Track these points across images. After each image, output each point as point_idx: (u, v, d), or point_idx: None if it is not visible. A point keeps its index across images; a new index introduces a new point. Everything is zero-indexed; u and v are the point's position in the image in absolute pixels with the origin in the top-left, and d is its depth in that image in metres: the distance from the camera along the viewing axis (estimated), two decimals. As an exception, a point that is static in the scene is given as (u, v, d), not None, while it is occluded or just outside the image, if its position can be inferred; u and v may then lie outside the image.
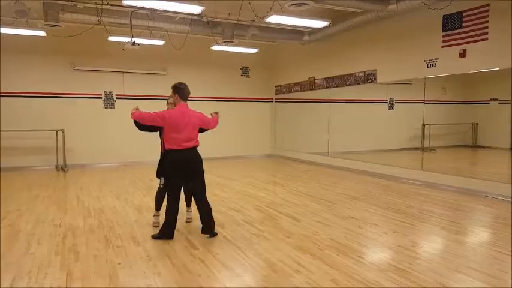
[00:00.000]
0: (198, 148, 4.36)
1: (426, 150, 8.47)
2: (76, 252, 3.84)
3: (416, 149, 8.75)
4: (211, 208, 4.42)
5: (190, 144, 4.24)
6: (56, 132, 9.65)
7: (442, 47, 7.01)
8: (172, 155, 4.21)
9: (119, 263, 3.55)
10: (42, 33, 8.27)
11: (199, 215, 4.39)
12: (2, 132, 9.24)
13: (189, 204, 4.96)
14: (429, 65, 7.30)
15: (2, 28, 7.82)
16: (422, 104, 7.90)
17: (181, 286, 3.10)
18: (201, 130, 4.51)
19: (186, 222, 4.89)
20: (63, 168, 9.65)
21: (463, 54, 6.66)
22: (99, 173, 9.17)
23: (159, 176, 4.70)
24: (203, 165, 4.42)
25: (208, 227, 4.35)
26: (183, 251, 3.86)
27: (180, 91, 4.30)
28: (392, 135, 9.38)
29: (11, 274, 3.29)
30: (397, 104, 9.17)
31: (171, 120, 4.15)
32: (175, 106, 4.36)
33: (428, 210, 5.48)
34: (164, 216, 4.29)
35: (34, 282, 3.14)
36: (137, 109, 4.28)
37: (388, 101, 9.20)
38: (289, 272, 3.33)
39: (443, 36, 6.98)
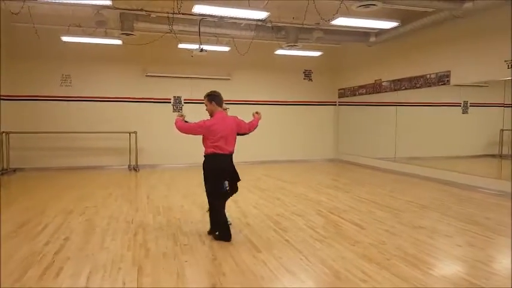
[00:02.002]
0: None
1: (504, 158, 7.83)
2: (147, 248, 4.04)
3: (493, 156, 8.13)
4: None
5: (231, 149, 4.42)
6: (129, 134, 10.26)
7: (526, 45, 6.47)
8: (216, 159, 4.32)
9: (186, 261, 3.68)
10: (118, 42, 8.87)
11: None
12: (80, 134, 10.06)
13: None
14: (510, 66, 6.76)
15: (84, 38, 8.49)
16: (501, 107, 7.33)
17: (245, 287, 3.14)
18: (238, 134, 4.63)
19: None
20: (135, 168, 10.22)
21: (549, 53, 6.10)
22: (168, 173, 9.59)
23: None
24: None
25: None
26: (246, 253, 3.92)
27: (217, 98, 4.46)
28: (466, 140, 8.79)
29: (89, 267, 3.53)
30: (471, 107, 8.59)
31: (214, 127, 4.29)
32: (211, 115, 4.46)
33: (507, 223, 5.06)
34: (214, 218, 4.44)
35: (108, 275, 3.35)
36: (181, 116, 4.54)
37: (461, 104, 8.64)
38: (355, 281, 3.24)
39: (526, 34, 6.44)
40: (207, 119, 4.42)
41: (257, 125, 4.82)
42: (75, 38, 8.51)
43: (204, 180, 4.44)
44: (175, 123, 4.46)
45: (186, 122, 4.53)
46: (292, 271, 3.47)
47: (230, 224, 4.59)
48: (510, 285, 3.16)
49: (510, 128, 7.46)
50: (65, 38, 8.51)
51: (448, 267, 3.64)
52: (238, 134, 4.60)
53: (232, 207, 5.48)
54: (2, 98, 9.19)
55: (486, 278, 3.30)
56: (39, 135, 9.82)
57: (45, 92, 9.95)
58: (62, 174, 9.37)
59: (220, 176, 4.33)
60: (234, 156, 4.52)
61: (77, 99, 10.22)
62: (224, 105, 4.61)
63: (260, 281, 3.25)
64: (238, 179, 4.55)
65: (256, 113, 4.89)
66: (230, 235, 4.31)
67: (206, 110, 4.51)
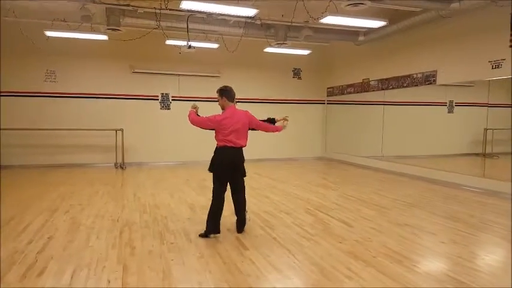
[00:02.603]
0: (245, 149, 4.50)
1: (488, 156, 7.95)
2: (132, 246, 4.00)
3: (477, 154, 8.25)
4: (245, 207, 4.59)
5: (243, 143, 4.44)
6: (116, 131, 10.14)
7: (510, 46, 6.55)
8: (225, 152, 4.36)
9: (172, 259, 3.65)
10: (104, 37, 8.75)
11: (235, 211, 4.56)
12: (65, 131, 9.91)
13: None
14: (494, 66, 6.86)
15: (68, 33, 8.35)
16: (485, 107, 7.43)
17: (232, 285, 3.13)
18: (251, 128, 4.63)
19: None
20: (121, 166, 10.12)
21: (533, 54, 6.20)
22: (155, 171, 9.52)
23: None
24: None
25: (239, 225, 4.53)
26: (234, 251, 3.91)
27: (227, 93, 4.49)
28: (452, 139, 8.90)
29: (73, 265, 3.48)
30: (457, 106, 8.69)
31: (225, 122, 4.33)
32: (223, 109, 4.50)
33: (490, 220, 5.14)
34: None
35: (93, 274, 3.31)
36: (195, 107, 4.56)
37: (447, 104, 8.75)
38: (341, 278, 3.26)
39: (511, 35, 6.53)
40: (218, 114, 4.45)
41: (278, 131, 4.81)
42: (59, 33, 8.34)
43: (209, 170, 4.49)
44: (188, 116, 4.50)
45: (198, 115, 4.56)
46: (279, 269, 3.47)
47: (249, 219, 4.72)
48: (497, 284, 3.21)
49: (493, 128, 7.58)
50: (49, 33, 8.35)
51: (432, 264, 3.68)
52: (251, 129, 4.62)
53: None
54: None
55: (469, 274, 3.35)
56: (23, 132, 9.64)
57: (29, 88, 9.76)
58: (46, 171, 9.23)
59: (224, 168, 4.39)
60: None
61: (62, 95, 10.06)
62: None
63: (247, 279, 3.25)
64: (243, 174, 4.57)
65: (285, 119, 4.89)
66: (215, 228, 4.34)
67: (218, 104, 4.55)
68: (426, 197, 6.68)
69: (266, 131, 4.84)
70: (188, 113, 4.53)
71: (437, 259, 3.80)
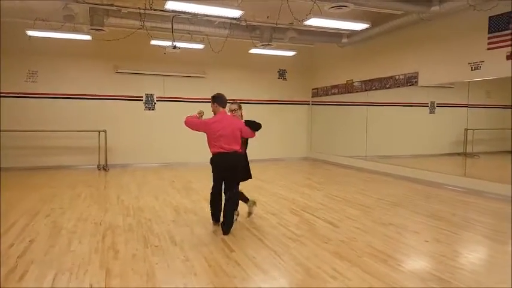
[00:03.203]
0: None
1: (469, 156, 8.11)
2: (115, 250, 3.95)
3: (458, 154, 8.40)
4: (233, 208, 4.74)
5: (234, 147, 4.63)
6: (99, 132, 10.00)
7: (488, 49, 6.71)
8: (216, 158, 4.67)
9: (157, 263, 3.61)
10: (87, 37, 8.62)
11: (223, 212, 4.66)
12: (47, 133, 9.72)
13: (245, 200, 5.22)
14: (473, 68, 7.01)
15: (50, 32, 8.20)
16: (465, 108, 7.58)
17: (217, 287, 3.11)
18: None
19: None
20: (104, 168, 9.98)
21: (510, 56, 6.34)
22: (139, 173, 9.41)
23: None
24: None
25: (224, 227, 4.59)
26: (219, 253, 3.89)
27: (218, 100, 4.77)
28: (434, 139, 9.05)
29: (53, 270, 3.41)
30: (438, 107, 8.84)
31: (214, 125, 4.59)
32: (215, 114, 4.77)
33: (472, 219, 5.24)
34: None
35: (75, 278, 3.25)
36: (199, 113, 4.82)
37: (429, 105, 8.89)
38: (326, 278, 3.27)
39: (489, 38, 6.68)
40: (210, 118, 4.76)
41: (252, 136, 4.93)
42: (41, 32, 8.20)
43: None
44: (186, 118, 4.73)
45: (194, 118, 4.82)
46: (265, 269, 3.47)
47: (236, 219, 4.90)
48: (480, 282, 3.27)
49: (474, 128, 7.73)
50: (30, 33, 8.19)
51: (416, 263, 3.74)
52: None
53: (206, 209, 5.36)
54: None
55: (452, 272, 3.40)
56: (3, 134, 9.41)
57: (9, 88, 9.55)
58: (27, 174, 9.04)
59: (216, 171, 4.74)
60: None
61: (44, 96, 9.88)
62: (231, 106, 4.94)
63: (233, 280, 3.23)
64: (239, 177, 4.80)
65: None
66: (213, 217, 4.82)
67: (212, 110, 4.83)
68: (409, 196, 6.77)
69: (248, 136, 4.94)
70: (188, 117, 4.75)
71: (421, 258, 3.85)
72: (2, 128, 9.25)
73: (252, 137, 4.87)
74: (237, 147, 4.65)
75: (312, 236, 4.47)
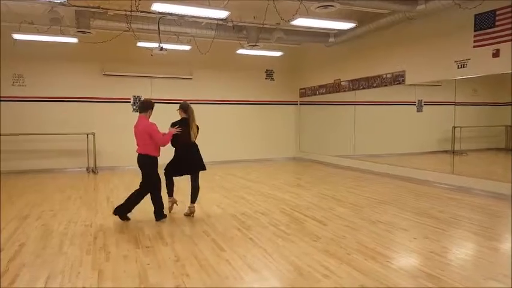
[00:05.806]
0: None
1: (457, 154, 8.23)
2: (107, 252, 3.94)
3: (446, 152, 8.51)
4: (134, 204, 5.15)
5: (140, 149, 5.10)
6: (87, 135, 9.93)
7: (474, 47, 6.82)
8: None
9: (148, 264, 3.61)
10: (74, 40, 8.54)
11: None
12: (35, 136, 9.64)
13: (171, 195, 5.58)
14: (460, 66, 7.12)
15: (37, 36, 8.11)
16: (453, 105, 7.69)
17: (209, 287, 3.13)
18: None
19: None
20: (93, 171, 9.91)
21: (496, 54, 6.46)
22: (129, 175, 9.34)
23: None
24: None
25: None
26: (210, 252, 3.90)
27: (141, 106, 5.29)
28: (421, 137, 9.16)
29: (46, 272, 3.40)
30: (426, 105, 8.96)
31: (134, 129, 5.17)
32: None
33: (460, 216, 5.33)
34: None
35: (67, 281, 3.24)
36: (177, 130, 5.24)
37: (416, 103, 9.00)
38: (317, 277, 3.31)
39: (474, 36, 6.79)
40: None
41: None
42: (27, 35, 8.10)
43: None
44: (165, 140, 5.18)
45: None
46: (256, 269, 3.49)
47: (165, 219, 5.24)
48: (468, 277, 3.34)
49: (461, 125, 7.85)
50: (16, 36, 8.10)
51: (405, 260, 3.79)
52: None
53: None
54: None
55: (441, 268, 3.46)
56: (-11, 138, 9.31)
57: (-5, 92, 9.44)
58: (16, 177, 8.93)
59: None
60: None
61: (31, 99, 9.77)
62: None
63: (224, 281, 3.25)
64: (144, 176, 5.19)
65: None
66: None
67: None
68: (398, 194, 6.86)
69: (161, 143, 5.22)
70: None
71: (410, 254, 3.91)
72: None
73: (163, 145, 5.19)
74: (141, 149, 5.06)
75: (302, 234, 4.50)
